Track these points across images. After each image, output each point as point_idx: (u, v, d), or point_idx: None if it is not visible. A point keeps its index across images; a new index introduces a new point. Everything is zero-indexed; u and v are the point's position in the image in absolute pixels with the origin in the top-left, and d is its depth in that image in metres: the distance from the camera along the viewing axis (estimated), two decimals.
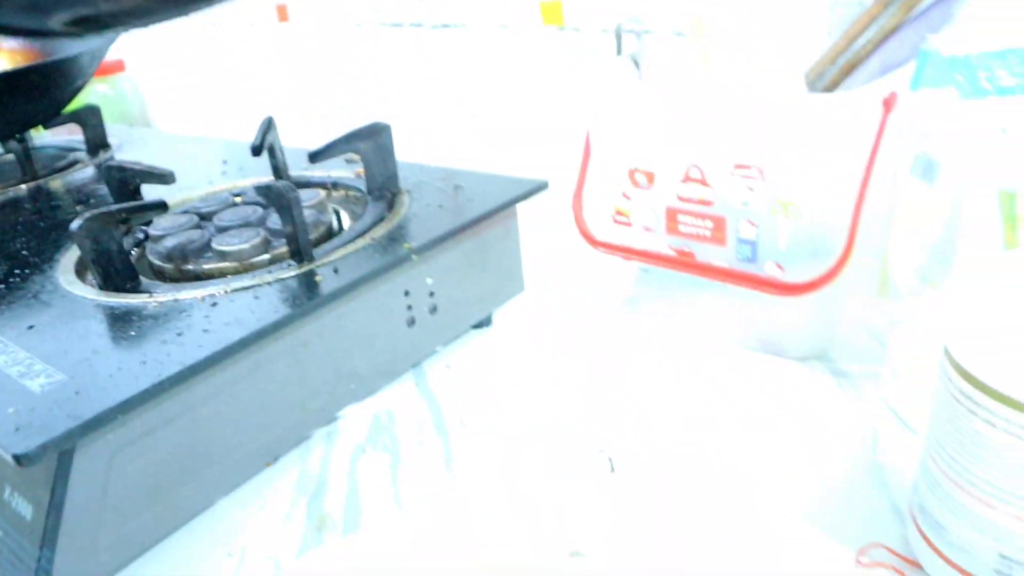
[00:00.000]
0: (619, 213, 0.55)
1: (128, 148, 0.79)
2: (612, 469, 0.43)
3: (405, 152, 0.58)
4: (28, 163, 0.72)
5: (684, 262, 0.52)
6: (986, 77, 0.37)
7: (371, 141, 0.53)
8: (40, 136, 0.88)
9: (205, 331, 0.39)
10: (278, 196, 0.45)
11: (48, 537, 0.33)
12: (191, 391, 0.37)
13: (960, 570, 0.32)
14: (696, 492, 0.40)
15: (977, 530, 0.31)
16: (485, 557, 0.37)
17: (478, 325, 0.57)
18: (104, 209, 0.46)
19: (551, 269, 0.65)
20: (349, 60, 0.95)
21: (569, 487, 0.41)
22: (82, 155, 0.78)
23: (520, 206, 0.53)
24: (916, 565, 0.35)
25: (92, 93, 1.11)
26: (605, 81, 0.53)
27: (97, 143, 0.79)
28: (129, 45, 1.15)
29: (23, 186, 0.70)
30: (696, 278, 0.52)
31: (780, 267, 0.49)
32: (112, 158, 0.76)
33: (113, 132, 0.84)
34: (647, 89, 0.52)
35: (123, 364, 0.37)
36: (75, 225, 0.45)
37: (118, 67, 1.13)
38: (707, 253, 0.51)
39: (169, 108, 1.19)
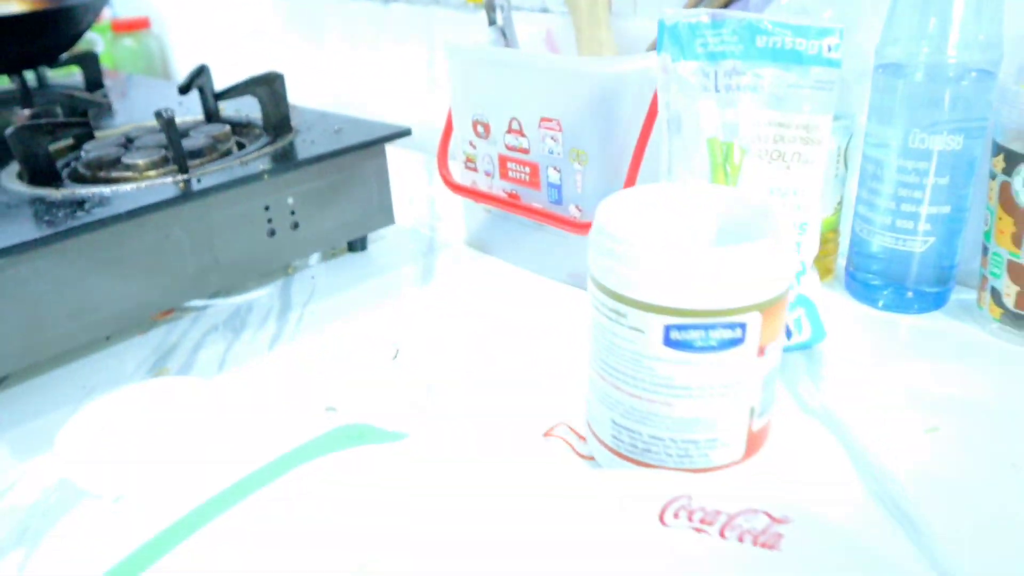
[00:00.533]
0: (468, 160, 0.64)
1: (121, 90, 0.92)
2: (396, 355, 0.52)
3: (321, 101, 0.68)
4: (27, 95, 0.85)
5: (513, 204, 0.61)
6: (700, 43, 0.45)
7: (266, 87, 0.64)
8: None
9: (88, 212, 0.51)
10: (164, 123, 0.56)
11: None
12: (73, 248, 0.49)
13: (596, 437, 0.41)
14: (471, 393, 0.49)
15: (601, 403, 0.39)
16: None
17: (352, 248, 0.67)
18: (34, 122, 0.58)
19: (426, 208, 0.75)
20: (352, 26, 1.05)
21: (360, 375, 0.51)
22: (80, 93, 0.90)
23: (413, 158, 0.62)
24: (583, 438, 0.43)
25: (119, 47, 1.25)
26: (463, 45, 0.62)
27: (94, 84, 0.92)
28: (159, 3, 1.29)
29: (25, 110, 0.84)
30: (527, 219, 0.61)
31: (579, 208, 0.57)
32: (105, 95, 0.89)
33: (122, 79, 0.97)
34: (489, 50, 0.61)
35: (21, 231, 0.48)
36: (8, 131, 0.57)
37: (143, 24, 1.26)
38: (529, 196, 0.60)
39: (190, 64, 1.32)
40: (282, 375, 0.51)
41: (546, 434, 0.44)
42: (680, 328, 0.34)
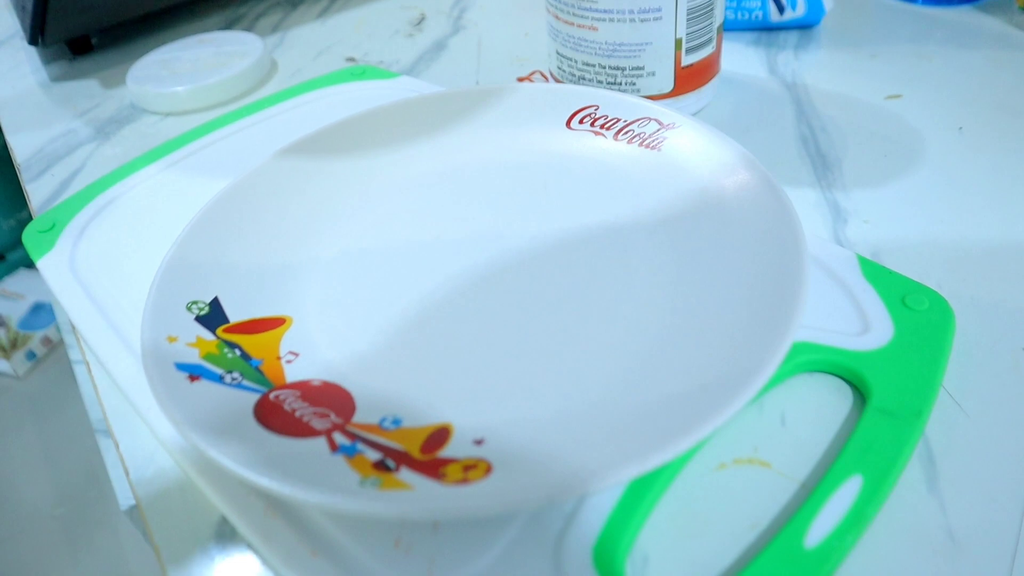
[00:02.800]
0: None
1: None
2: (420, 22, 0.57)
3: None
4: None
5: None
6: None
7: None
8: None
9: None
10: None
11: None
12: None
13: (552, 75, 0.45)
14: None
15: (551, 37, 0.43)
16: None
17: None
18: None
19: None
20: None
21: None
22: None
23: None
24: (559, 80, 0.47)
25: None
26: None
27: None
28: None
29: None
30: None
31: None
32: None
33: None
34: None
35: None
36: None
37: None
38: None
39: None
40: (318, 35, 0.58)
41: (520, 79, 0.48)
42: None
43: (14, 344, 1.48)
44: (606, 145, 0.37)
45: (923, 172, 0.37)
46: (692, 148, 0.35)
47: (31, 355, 1.50)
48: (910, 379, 0.26)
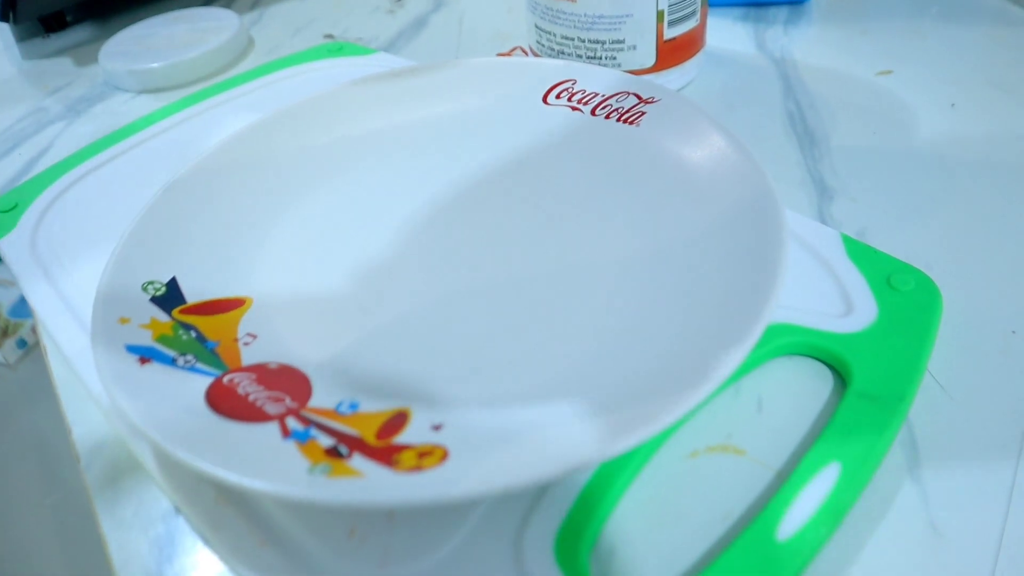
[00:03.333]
0: None
1: None
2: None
3: None
4: None
5: None
6: None
7: None
8: None
9: None
10: None
11: None
12: None
13: (532, 49, 0.43)
14: None
15: (528, 10, 0.41)
16: None
17: None
18: None
19: None
20: None
21: None
22: None
23: None
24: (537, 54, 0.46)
25: None
26: None
27: None
28: None
29: None
30: None
31: None
32: None
33: None
34: None
35: None
36: None
37: None
38: None
39: None
40: (297, 12, 0.56)
41: (500, 55, 0.47)
42: None
43: (5, 332, 1.46)
44: (583, 120, 0.35)
45: (913, 149, 0.36)
46: (671, 124, 0.33)
47: (22, 343, 1.48)
48: (893, 362, 0.25)
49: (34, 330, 1.44)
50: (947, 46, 0.44)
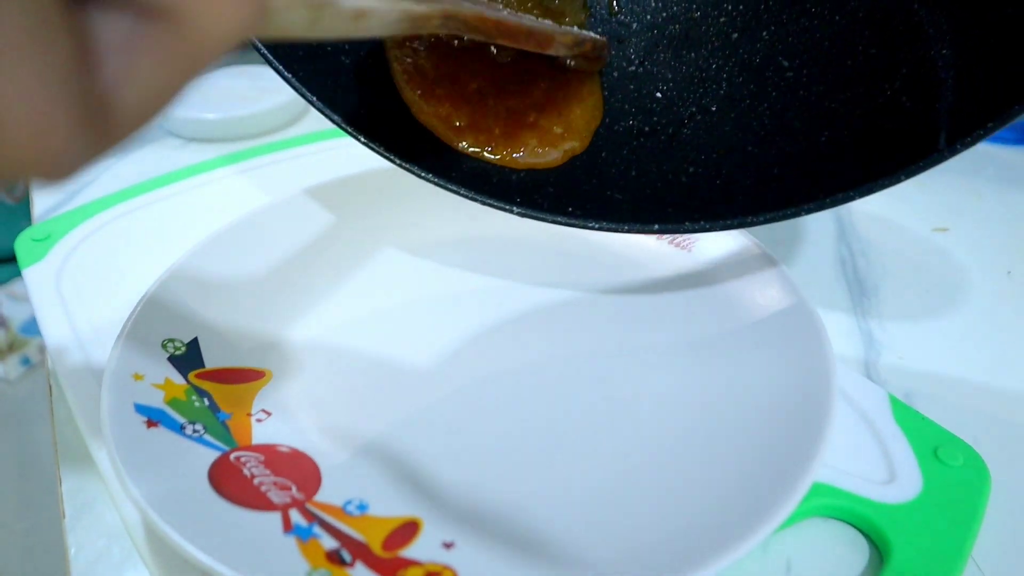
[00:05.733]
0: None
1: None
2: None
3: None
4: None
5: None
6: None
7: None
8: None
9: None
10: None
11: None
12: None
13: None
14: None
15: None
16: None
17: None
18: None
19: None
20: None
21: None
22: None
23: None
24: None
25: None
26: None
27: None
28: None
29: None
30: None
31: None
32: None
33: None
34: None
35: None
36: None
37: None
38: None
39: None
40: None
41: None
42: None
43: (11, 347, 1.46)
44: (635, 239, 0.35)
45: (966, 313, 0.35)
46: (725, 254, 0.33)
47: (26, 360, 1.47)
48: (936, 543, 0.23)
49: (41, 350, 1.43)
50: (1004, 209, 0.43)
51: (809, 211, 0.26)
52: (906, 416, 0.28)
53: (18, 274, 1.59)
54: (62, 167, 0.10)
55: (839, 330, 0.33)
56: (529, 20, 0.27)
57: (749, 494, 0.21)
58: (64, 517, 0.26)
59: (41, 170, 0.10)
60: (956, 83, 0.25)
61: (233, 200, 0.40)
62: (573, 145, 0.31)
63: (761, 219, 0.26)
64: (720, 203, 0.28)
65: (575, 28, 0.31)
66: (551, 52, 0.29)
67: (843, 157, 0.27)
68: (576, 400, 0.27)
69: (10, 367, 1.44)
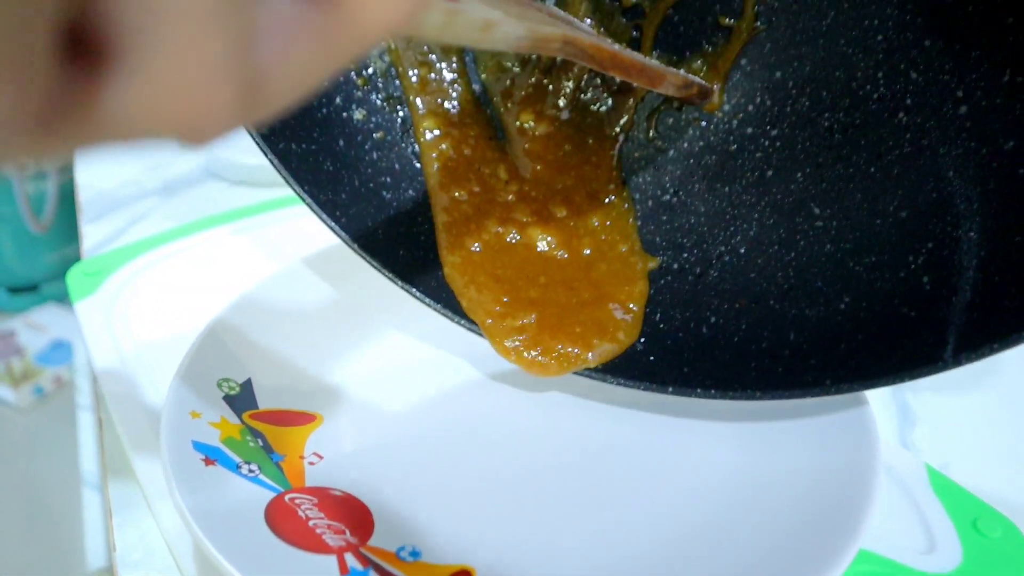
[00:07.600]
0: None
1: None
2: None
3: None
4: None
5: None
6: None
7: None
8: None
9: None
10: None
11: None
12: None
13: None
14: None
15: None
16: None
17: None
18: None
19: None
20: None
21: None
22: None
23: None
24: None
25: None
26: None
27: None
28: None
29: None
30: None
31: None
32: None
33: None
34: None
35: None
36: None
37: None
38: None
39: None
40: None
41: None
42: None
43: (25, 376, 1.46)
44: None
45: (1001, 386, 0.35)
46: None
47: (39, 390, 1.48)
48: None
49: (56, 381, 1.44)
50: None
51: (815, 395, 0.26)
52: (943, 486, 0.28)
53: (38, 303, 1.60)
54: (203, 136, 0.11)
55: (873, 398, 0.34)
56: (642, 57, 0.28)
57: (796, 560, 0.22)
58: (115, 550, 0.26)
59: (186, 135, 0.11)
60: (976, 275, 0.24)
61: (283, 245, 0.41)
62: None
63: (768, 396, 0.27)
64: (734, 367, 0.28)
65: (682, 71, 0.31)
66: (660, 90, 0.29)
67: (855, 336, 0.27)
68: (627, 462, 0.28)
69: (23, 395, 1.44)
